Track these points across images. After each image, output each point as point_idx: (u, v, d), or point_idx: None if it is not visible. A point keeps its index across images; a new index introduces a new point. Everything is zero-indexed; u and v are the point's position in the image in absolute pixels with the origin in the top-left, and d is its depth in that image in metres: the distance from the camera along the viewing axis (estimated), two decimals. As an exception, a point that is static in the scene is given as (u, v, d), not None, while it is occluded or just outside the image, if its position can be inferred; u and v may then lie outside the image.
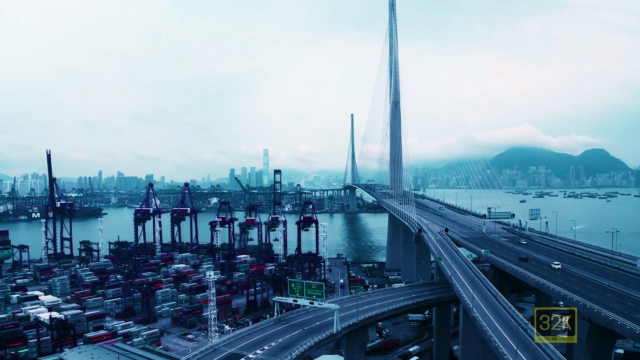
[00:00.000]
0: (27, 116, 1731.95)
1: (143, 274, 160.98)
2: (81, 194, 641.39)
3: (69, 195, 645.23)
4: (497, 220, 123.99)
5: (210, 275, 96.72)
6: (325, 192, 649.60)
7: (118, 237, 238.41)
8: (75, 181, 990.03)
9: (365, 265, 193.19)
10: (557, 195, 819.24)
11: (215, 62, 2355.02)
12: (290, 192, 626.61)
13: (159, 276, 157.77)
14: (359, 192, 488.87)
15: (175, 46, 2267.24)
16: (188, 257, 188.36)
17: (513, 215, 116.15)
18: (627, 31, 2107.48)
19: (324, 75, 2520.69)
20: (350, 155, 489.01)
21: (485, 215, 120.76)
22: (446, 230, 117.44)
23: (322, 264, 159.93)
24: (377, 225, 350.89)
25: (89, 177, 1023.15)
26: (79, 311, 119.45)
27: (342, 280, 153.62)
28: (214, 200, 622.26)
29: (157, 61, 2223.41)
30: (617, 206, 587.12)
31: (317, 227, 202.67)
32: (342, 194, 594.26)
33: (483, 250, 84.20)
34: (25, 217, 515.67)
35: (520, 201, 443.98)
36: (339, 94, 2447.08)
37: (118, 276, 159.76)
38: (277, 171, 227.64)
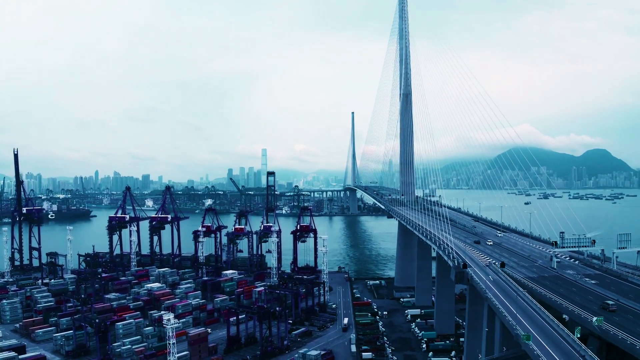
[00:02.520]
0: (21, 115, 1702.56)
1: (108, 296, 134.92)
2: (69, 196, 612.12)
3: (56, 196, 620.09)
4: (574, 249, 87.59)
5: (169, 320, 71.12)
6: (325, 193, 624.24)
7: (93, 247, 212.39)
8: (72, 181, 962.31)
9: (372, 282, 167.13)
10: (561, 197, 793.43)
11: (210, 61, 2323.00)
12: (288, 194, 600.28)
13: (125, 301, 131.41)
14: (359, 193, 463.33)
15: (168, 45, 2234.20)
16: (166, 273, 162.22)
17: (594, 242, 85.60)
18: (626, 29, 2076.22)
19: (320, 75, 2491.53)
20: (351, 155, 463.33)
21: (555, 242, 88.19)
22: (502, 265, 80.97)
23: (322, 285, 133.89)
24: (380, 230, 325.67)
25: (84, 177, 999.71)
26: (11, 354, 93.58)
27: (345, 320, 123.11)
28: (209, 202, 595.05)
29: (150, 60, 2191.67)
30: (626, 208, 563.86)
31: (315, 238, 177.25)
32: (342, 195, 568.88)
33: (595, 319, 50.53)
34: (9, 220, 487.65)
35: (525, 203, 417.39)
36: (336, 93, 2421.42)
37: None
38: (271, 173, 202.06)
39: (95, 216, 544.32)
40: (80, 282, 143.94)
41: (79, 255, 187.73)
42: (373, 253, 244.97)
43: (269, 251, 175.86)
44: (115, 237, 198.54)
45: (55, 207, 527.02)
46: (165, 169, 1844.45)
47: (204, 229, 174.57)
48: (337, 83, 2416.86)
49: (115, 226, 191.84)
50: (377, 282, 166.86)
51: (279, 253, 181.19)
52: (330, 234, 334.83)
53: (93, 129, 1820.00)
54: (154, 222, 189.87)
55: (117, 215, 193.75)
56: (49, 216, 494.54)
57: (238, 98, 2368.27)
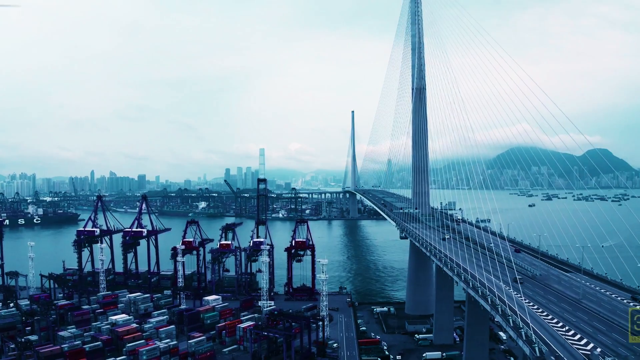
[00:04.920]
0: (14, 113, 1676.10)
1: (62, 333, 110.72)
2: (56, 199, 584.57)
3: (43, 199, 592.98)
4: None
5: None
6: (323, 195, 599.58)
7: (63, 262, 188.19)
8: (68, 181, 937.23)
9: (379, 309, 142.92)
10: (565, 198, 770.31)
11: (202, 59, 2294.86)
12: (286, 195, 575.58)
13: (79, 342, 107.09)
14: (359, 195, 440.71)
15: (159, 43, 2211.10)
16: (138, 299, 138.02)
17: None
18: (624, 26, 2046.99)
19: (315, 73, 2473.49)
20: (351, 156, 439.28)
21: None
22: None
23: (321, 322, 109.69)
24: (383, 237, 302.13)
25: (80, 178, 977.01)
26: None
27: None
28: (202, 204, 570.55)
29: (141, 59, 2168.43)
30: (635, 211, 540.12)
31: (313, 256, 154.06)
32: (342, 197, 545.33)
33: None
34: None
35: (529, 205, 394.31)
36: (332, 92, 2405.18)
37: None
38: (262, 180, 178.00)
39: (83, 220, 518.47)
40: (27, 315, 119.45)
41: (42, 276, 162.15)
42: (377, 267, 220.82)
43: (259, 270, 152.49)
44: (87, 252, 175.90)
45: (40, 211, 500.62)
46: (162, 168, 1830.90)
47: (184, 247, 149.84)
48: (333, 82, 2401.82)
49: (83, 241, 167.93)
50: (385, 309, 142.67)
51: (271, 273, 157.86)
52: (329, 242, 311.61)
53: (86, 128, 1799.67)
54: (127, 237, 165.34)
55: (86, 229, 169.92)
56: (34, 221, 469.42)
57: (231, 97, 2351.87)
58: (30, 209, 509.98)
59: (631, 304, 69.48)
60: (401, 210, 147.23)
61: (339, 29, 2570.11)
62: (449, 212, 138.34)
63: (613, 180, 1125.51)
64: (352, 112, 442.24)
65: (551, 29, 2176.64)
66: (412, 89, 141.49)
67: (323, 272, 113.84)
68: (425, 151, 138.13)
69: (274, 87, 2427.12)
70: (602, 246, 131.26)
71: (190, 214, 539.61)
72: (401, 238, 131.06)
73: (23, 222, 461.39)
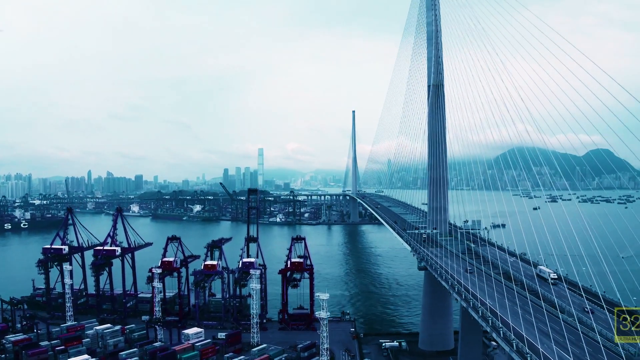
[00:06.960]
0: (9, 114, 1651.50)
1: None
2: (45, 202, 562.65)
3: (32, 202, 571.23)
4: None
5: None
6: (323, 197, 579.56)
7: (33, 281, 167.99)
8: (64, 181, 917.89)
9: (388, 344, 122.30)
10: (570, 199, 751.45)
11: (198, 59, 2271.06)
12: (284, 196, 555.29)
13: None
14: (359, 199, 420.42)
15: (154, 43, 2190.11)
16: (106, 333, 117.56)
17: None
18: (624, 25, 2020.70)
19: (313, 73, 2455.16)
20: (352, 158, 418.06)
21: None
22: None
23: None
24: (386, 246, 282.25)
25: (77, 178, 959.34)
26: None
27: None
28: (197, 208, 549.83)
29: (136, 58, 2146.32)
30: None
31: (311, 279, 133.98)
32: (342, 199, 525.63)
33: None
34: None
35: (534, 208, 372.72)
36: (329, 91, 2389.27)
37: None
38: (253, 191, 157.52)
39: (72, 224, 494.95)
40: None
41: (2, 301, 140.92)
42: (384, 284, 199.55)
43: (249, 295, 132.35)
44: (57, 271, 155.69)
45: (28, 215, 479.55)
46: (160, 168, 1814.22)
47: (160, 270, 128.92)
48: (331, 81, 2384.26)
49: (49, 260, 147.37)
50: (396, 343, 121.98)
51: (263, 298, 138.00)
52: (329, 251, 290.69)
53: (83, 128, 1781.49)
54: (98, 257, 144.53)
55: (53, 247, 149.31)
56: (22, 225, 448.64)
57: (229, 96, 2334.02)
58: (18, 213, 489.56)
59: None
60: (417, 231, 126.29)
61: (336, 28, 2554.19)
62: (472, 231, 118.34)
63: (616, 181, 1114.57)
64: (353, 112, 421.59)
65: (549, 28, 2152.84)
66: (429, 86, 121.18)
67: (323, 309, 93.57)
68: (444, 158, 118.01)
69: (272, 86, 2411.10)
70: (622, 257, 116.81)
71: (184, 218, 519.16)
72: (419, 269, 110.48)
73: (10, 227, 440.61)
